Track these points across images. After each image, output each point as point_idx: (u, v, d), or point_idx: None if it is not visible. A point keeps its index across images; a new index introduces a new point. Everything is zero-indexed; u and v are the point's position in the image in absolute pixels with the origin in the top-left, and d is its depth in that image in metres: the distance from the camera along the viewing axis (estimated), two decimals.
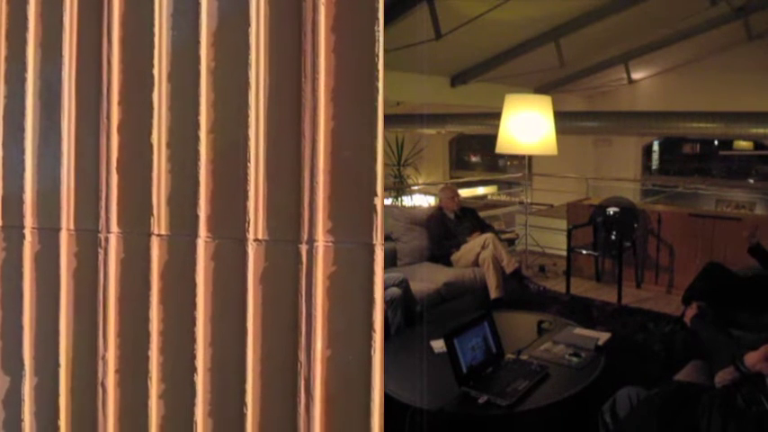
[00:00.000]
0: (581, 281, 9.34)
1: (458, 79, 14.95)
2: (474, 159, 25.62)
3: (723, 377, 3.78)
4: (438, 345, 5.09)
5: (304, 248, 1.91)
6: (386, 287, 6.46)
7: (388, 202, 14.21)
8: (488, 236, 8.07)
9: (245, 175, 1.97)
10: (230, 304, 2.01)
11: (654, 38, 14.40)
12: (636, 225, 8.92)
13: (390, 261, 8.08)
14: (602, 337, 5.44)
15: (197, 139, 2.04)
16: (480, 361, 4.80)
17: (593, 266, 9.54)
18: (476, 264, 7.91)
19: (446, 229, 8.40)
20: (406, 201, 14.44)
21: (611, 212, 8.96)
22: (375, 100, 1.85)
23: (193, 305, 2.05)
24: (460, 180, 20.87)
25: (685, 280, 7.02)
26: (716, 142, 20.20)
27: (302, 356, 1.92)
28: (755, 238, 6.45)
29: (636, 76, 17.32)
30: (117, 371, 2.22)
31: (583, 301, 8.53)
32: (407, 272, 7.28)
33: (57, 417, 2.32)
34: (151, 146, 2.12)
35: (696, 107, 13.90)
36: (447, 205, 8.62)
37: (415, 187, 16.27)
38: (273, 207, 1.97)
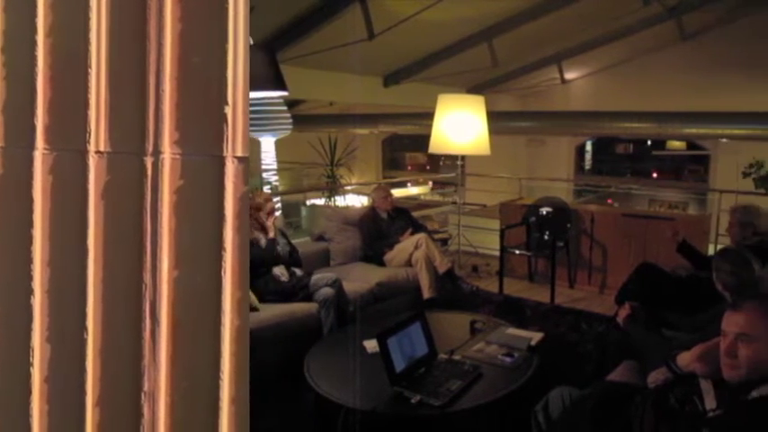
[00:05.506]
0: (514, 281, 9.38)
1: (391, 79, 15.00)
2: (407, 159, 25.72)
3: (656, 377, 3.78)
4: (371, 345, 5.11)
5: (149, 161, 1.77)
6: (319, 287, 6.53)
7: (321, 202, 14.22)
8: (421, 236, 8.07)
9: (86, 82, 1.81)
10: (69, 221, 1.86)
11: (587, 38, 14.55)
12: (569, 225, 8.97)
13: (323, 261, 8.08)
14: (535, 337, 5.46)
15: (34, 43, 1.88)
16: (413, 361, 4.77)
17: (526, 266, 9.59)
18: (409, 264, 7.90)
19: (379, 229, 8.38)
20: (339, 201, 14.43)
21: (544, 212, 9.00)
22: (226, 1, 1.72)
23: (29, 222, 1.90)
24: (393, 180, 20.94)
25: (618, 280, 7.06)
26: (649, 142, 20.43)
27: (147, 278, 1.79)
28: (678, 236, 6.51)
29: (569, 76, 17.48)
30: None
31: (516, 301, 8.56)
32: (340, 272, 7.23)
33: None
34: None
35: (629, 107, 14.04)
36: (380, 205, 8.60)
37: (348, 187, 16.29)
38: (116, 116, 1.81)
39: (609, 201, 17.43)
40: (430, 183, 23.73)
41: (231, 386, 1.77)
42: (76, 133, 1.83)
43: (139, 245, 1.80)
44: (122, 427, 1.86)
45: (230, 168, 1.74)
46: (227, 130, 1.74)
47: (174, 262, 1.79)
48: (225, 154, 1.74)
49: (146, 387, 1.81)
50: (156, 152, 1.77)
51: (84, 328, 1.85)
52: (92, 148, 1.82)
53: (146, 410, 1.81)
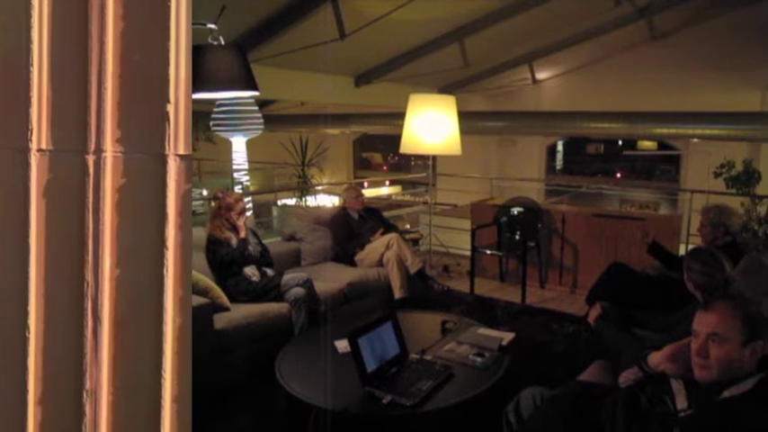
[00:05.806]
0: (485, 281, 9.39)
1: (362, 79, 15.00)
2: (378, 159, 25.74)
3: (627, 377, 3.76)
4: (342, 345, 5.10)
5: (91, 159, 1.77)
6: (290, 287, 6.52)
7: (292, 201, 14.19)
8: (392, 236, 8.07)
9: (28, 80, 1.80)
10: (11, 220, 1.83)
11: (558, 38, 14.57)
12: (540, 225, 8.96)
13: (294, 261, 8.07)
14: (506, 337, 5.44)
15: None
16: (384, 361, 4.75)
17: (498, 266, 9.59)
18: (380, 264, 7.89)
19: (350, 229, 8.36)
20: (310, 201, 14.41)
21: (515, 212, 8.99)
22: None
23: None
24: (365, 180, 20.96)
25: (589, 280, 7.05)
26: (620, 142, 20.48)
27: (89, 276, 1.79)
28: (649, 237, 6.51)
29: (540, 76, 17.53)
30: None
31: (487, 301, 8.56)
32: (312, 272, 7.22)
33: None
34: None
35: (600, 107, 14.09)
36: (351, 205, 8.59)
37: (320, 187, 16.28)
38: (58, 114, 1.80)
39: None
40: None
41: (173, 384, 1.77)
42: (18, 131, 1.81)
43: (81, 243, 1.79)
44: (64, 425, 1.84)
45: (172, 166, 1.75)
46: (169, 128, 1.74)
47: (116, 260, 1.78)
48: (167, 152, 1.75)
49: (87, 385, 1.80)
50: (99, 150, 1.77)
51: (25, 326, 1.83)
52: (34, 146, 1.80)
53: (87, 409, 1.80)
